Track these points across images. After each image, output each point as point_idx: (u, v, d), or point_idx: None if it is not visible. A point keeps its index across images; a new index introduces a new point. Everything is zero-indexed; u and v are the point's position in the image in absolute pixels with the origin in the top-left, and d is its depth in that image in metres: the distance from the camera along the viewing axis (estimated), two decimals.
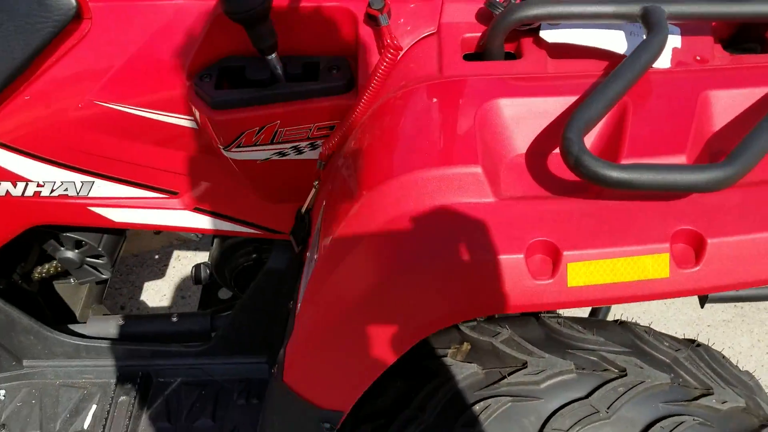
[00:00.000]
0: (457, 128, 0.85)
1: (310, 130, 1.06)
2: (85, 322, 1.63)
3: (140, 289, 2.32)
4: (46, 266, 1.63)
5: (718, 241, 0.75)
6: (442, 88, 0.90)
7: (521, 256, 0.77)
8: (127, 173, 1.22)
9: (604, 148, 0.84)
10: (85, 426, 1.51)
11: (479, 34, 0.97)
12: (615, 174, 0.72)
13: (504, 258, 0.77)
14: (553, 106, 0.86)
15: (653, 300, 0.81)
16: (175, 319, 1.58)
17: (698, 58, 0.90)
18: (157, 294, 2.30)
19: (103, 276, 1.62)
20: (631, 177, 0.72)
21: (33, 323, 1.49)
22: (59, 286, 1.74)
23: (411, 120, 0.89)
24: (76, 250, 1.55)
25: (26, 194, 1.24)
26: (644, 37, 0.89)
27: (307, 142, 1.08)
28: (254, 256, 1.43)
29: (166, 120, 1.12)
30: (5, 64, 1.07)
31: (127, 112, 1.11)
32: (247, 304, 1.45)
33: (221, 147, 1.08)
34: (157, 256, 2.38)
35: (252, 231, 1.31)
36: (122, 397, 1.52)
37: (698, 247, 0.75)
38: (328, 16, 1.02)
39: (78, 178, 1.22)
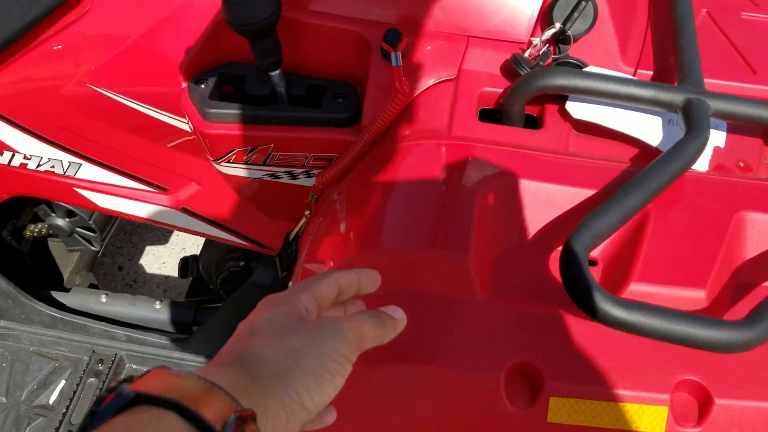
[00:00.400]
0: (457, 202, 0.75)
1: (306, 158, 0.97)
2: (69, 290, 1.59)
3: (141, 252, 2.28)
4: (39, 226, 1.58)
5: (727, 403, 0.64)
6: (449, 151, 0.81)
7: (500, 379, 0.67)
8: (116, 161, 1.15)
9: (611, 260, 0.73)
10: (50, 401, 1.47)
11: (500, 90, 0.87)
12: (618, 313, 0.61)
13: (482, 379, 0.67)
14: (564, 197, 0.75)
15: None
16: (157, 306, 1.53)
17: (742, 164, 0.79)
18: (156, 260, 2.26)
19: (93, 248, 1.57)
20: (637, 321, 0.61)
21: (11, 288, 1.45)
22: (52, 245, 1.70)
23: (410, 182, 0.80)
24: (67, 219, 1.50)
25: (12, 164, 1.18)
26: (682, 130, 0.78)
27: (302, 170, 1.00)
28: (242, 263, 1.36)
29: (158, 117, 1.04)
30: (1, 29, 1.00)
31: (119, 101, 1.04)
32: (228, 310, 1.39)
33: (210, 159, 1.00)
34: None
35: (240, 242, 1.24)
36: (91, 379, 1.48)
37: (703, 403, 0.65)
38: (340, 39, 0.93)
39: (65, 157, 1.16)
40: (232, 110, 0.93)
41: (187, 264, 1.47)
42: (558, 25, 0.84)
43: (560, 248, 0.72)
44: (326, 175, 0.93)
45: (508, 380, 0.67)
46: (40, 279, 1.65)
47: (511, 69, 0.86)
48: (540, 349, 0.67)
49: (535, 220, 0.77)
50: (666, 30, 0.89)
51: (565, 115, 0.83)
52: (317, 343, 0.49)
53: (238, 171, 1.01)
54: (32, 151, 1.15)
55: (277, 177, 1.02)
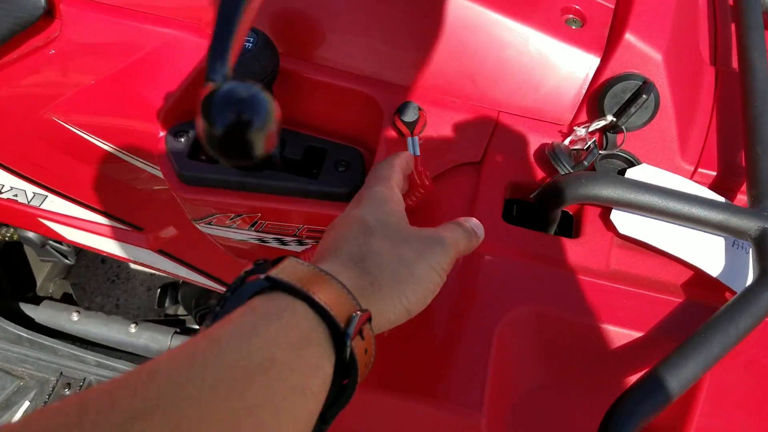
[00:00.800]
0: (471, 340, 0.62)
1: (299, 229, 0.84)
2: (39, 302, 1.47)
3: None
4: (11, 231, 1.46)
5: None
6: (463, 262, 0.67)
7: None
8: (85, 196, 1.02)
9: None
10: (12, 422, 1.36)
11: (529, 181, 0.73)
12: None
13: None
14: (601, 334, 0.62)
15: None
16: (132, 329, 1.41)
17: None
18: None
19: (67, 261, 1.45)
20: None
21: None
22: (27, 249, 1.58)
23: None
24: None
25: None
26: (750, 260, 0.64)
27: (293, 239, 0.86)
28: None
29: (131, 161, 0.91)
30: None
31: (87, 140, 0.90)
32: None
33: (190, 218, 0.87)
34: None
35: (219, 287, 1.11)
36: None
37: None
38: (347, 99, 0.78)
39: (29, 188, 1.02)
40: (214, 175, 0.79)
41: (166, 293, 1.34)
42: (610, 118, 0.69)
43: (591, 394, 0.60)
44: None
45: None
46: (11, 284, 1.53)
47: (547, 159, 0.71)
48: None
49: (564, 358, 0.64)
50: (734, 125, 0.74)
51: (608, 223, 0.69)
52: (427, 256, 0.53)
53: (220, 233, 0.88)
54: None
55: (264, 242, 0.88)
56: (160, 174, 0.89)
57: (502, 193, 0.72)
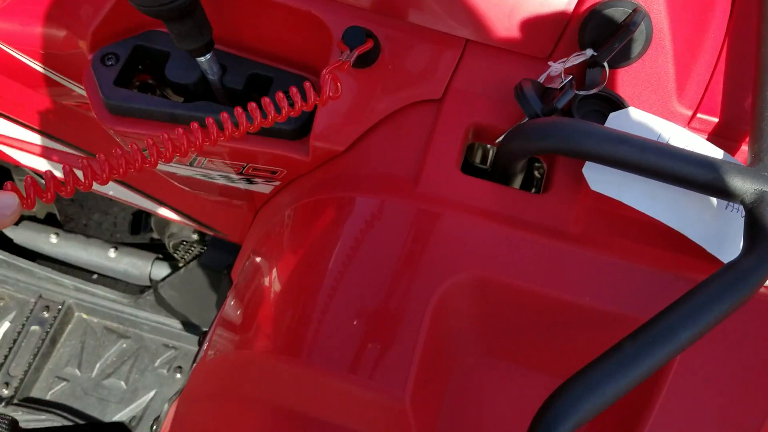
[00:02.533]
0: (404, 306, 0.54)
1: (244, 167, 0.75)
2: (19, 222, 1.43)
3: None
4: None
5: None
6: (407, 218, 0.58)
7: None
8: (31, 119, 0.94)
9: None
10: None
11: (495, 125, 0.62)
12: None
13: None
14: (549, 315, 0.54)
15: None
16: (112, 254, 1.37)
17: None
18: None
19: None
20: None
21: None
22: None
23: (347, 261, 0.58)
24: None
25: None
26: (741, 221, 0.55)
27: (240, 176, 0.78)
28: (195, 236, 1.17)
29: (68, 85, 0.82)
30: None
31: (18, 59, 0.81)
32: (185, 277, 1.22)
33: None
34: None
35: (182, 220, 1.04)
36: (35, 327, 1.35)
37: None
38: (296, 21, 0.68)
39: None
40: (143, 105, 0.70)
41: (139, 221, 1.28)
42: (589, 53, 0.58)
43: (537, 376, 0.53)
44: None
45: None
46: None
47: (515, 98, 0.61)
48: None
49: (511, 332, 0.56)
50: (746, 67, 0.62)
51: (581, 177, 0.59)
52: None
53: (161, 167, 0.80)
54: None
55: (210, 178, 0.80)
56: None
57: (462, 136, 0.62)
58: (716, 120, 0.62)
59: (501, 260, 0.55)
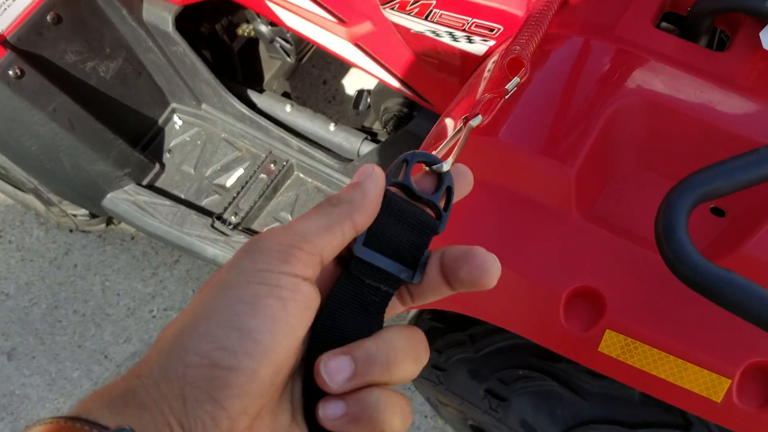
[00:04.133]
0: (589, 111, 0.68)
1: (468, 23, 0.92)
2: (263, 93, 1.72)
3: (347, 71, 2.36)
4: (249, 27, 1.69)
5: None
6: (605, 55, 0.71)
7: (562, 294, 0.65)
8: None
9: (743, 213, 0.63)
10: (227, 183, 1.67)
11: None
12: (702, 279, 0.53)
13: (546, 289, 0.65)
14: (710, 142, 0.64)
15: (688, 411, 0.66)
16: (331, 128, 1.62)
17: None
18: (359, 83, 2.34)
19: (289, 59, 1.66)
20: (723, 294, 0.53)
21: (212, 79, 1.60)
22: (261, 48, 1.83)
23: (548, 79, 0.73)
24: (269, 27, 1.59)
25: None
26: None
27: (463, 34, 0.95)
28: (406, 110, 1.37)
29: None
30: None
31: None
32: (390, 144, 1.43)
33: (378, 1, 0.98)
34: None
35: (403, 89, 1.23)
36: (263, 175, 1.64)
37: None
38: None
39: None
40: None
41: (361, 97, 1.51)
42: None
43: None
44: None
45: (571, 299, 0.65)
46: (244, 76, 1.79)
47: None
48: (613, 281, 0.63)
49: (668, 150, 0.68)
50: None
51: (758, 46, 0.68)
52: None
53: (401, 20, 0.99)
54: None
55: (438, 35, 0.98)
56: None
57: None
58: None
59: (674, 91, 0.67)
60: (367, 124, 1.76)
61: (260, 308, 0.34)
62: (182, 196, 1.66)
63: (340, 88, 2.35)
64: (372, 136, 1.62)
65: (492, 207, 0.70)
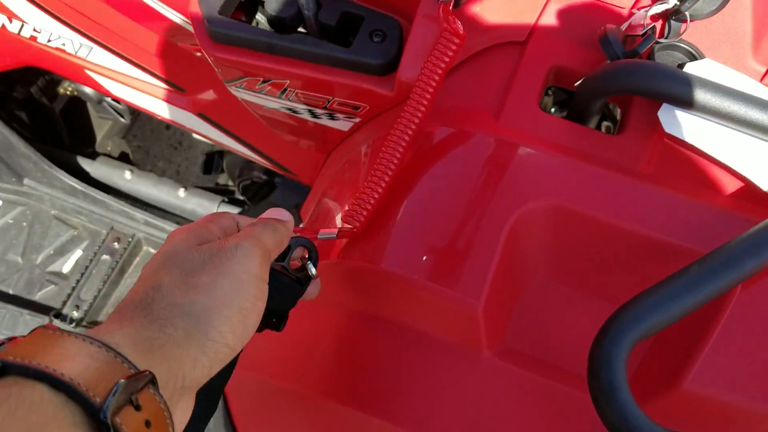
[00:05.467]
0: (483, 225, 0.59)
1: (329, 101, 0.80)
2: (96, 158, 1.51)
3: None
4: (72, 86, 1.48)
5: None
6: (488, 148, 0.62)
7: None
8: (127, 50, 1.00)
9: (664, 342, 0.56)
10: (64, 270, 1.44)
11: (577, 68, 0.66)
12: None
13: None
14: (619, 245, 0.57)
15: None
16: (181, 194, 1.44)
17: None
18: None
19: (122, 120, 1.46)
20: None
21: (31, 152, 1.37)
22: (89, 106, 1.61)
23: (429, 183, 0.63)
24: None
25: (22, 34, 1.05)
26: None
27: (324, 111, 0.83)
28: (265, 177, 1.23)
29: (165, 14, 0.88)
30: None
31: None
32: (253, 215, 1.29)
33: (222, 79, 0.84)
34: None
35: (258, 158, 1.10)
36: (105, 256, 1.43)
37: None
38: None
39: (76, 38, 1.01)
40: (244, 33, 0.75)
41: (212, 161, 1.35)
42: (672, 2, 0.61)
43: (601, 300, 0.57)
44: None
45: None
46: (72, 140, 1.57)
47: (599, 45, 0.64)
48: None
49: (578, 258, 0.60)
50: None
51: (656, 120, 0.62)
52: (227, 270, 0.44)
53: (251, 98, 0.85)
54: (41, 25, 1.02)
55: (296, 112, 0.86)
56: None
57: (542, 78, 0.66)
58: None
59: (575, 191, 0.59)
60: (222, 180, 1.60)
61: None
62: (10, 292, 1.41)
63: (186, 133, 2.16)
64: (229, 196, 1.47)
65: (386, 350, 0.59)
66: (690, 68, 0.63)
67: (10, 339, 0.37)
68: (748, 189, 0.61)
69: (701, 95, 0.57)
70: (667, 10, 0.62)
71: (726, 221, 0.59)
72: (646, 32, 0.62)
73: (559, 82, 0.68)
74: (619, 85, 0.59)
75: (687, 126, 0.61)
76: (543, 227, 0.59)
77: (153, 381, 0.37)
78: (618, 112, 0.69)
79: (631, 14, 0.64)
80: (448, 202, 0.60)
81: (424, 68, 0.65)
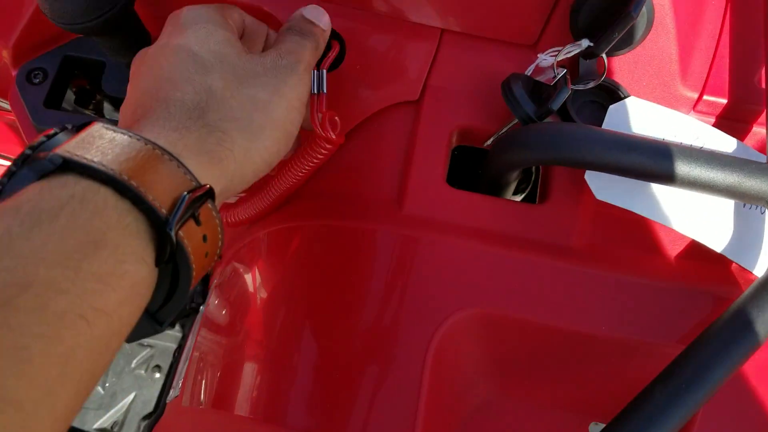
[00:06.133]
0: (402, 359, 0.48)
1: None
2: None
3: None
4: None
5: None
6: (392, 248, 0.51)
7: None
8: None
9: None
10: None
11: (482, 126, 0.55)
12: None
13: None
14: (563, 347, 0.48)
15: None
16: None
17: None
18: None
19: None
20: None
21: None
22: None
23: (329, 307, 0.52)
24: None
25: None
26: (762, 220, 0.49)
27: None
28: None
29: None
30: None
31: None
32: None
33: None
34: None
35: None
36: None
37: None
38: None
39: None
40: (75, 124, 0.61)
41: None
42: (584, 44, 0.51)
43: (554, 411, 0.48)
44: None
45: None
46: None
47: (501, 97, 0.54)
48: None
49: (518, 366, 0.51)
50: (753, 39, 0.56)
51: (583, 185, 0.53)
52: (283, 92, 0.43)
53: None
54: None
55: None
56: None
57: (446, 143, 0.55)
58: (724, 101, 0.56)
59: (502, 292, 0.49)
60: None
61: None
62: None
63: None
64: None
65: None
66: (613, 112, 0.54)
67: (62, 129, 0.34)
68: (695, 249, 0.53)
69: (633, 158, 0.48)
70: (579, 53, 0.52)
71: (678, 298, 0.51)
72: (557, 83, 0.51)
73: (467, 142, 0.58)
74: (538, 156, 0.49)
75: (619, 189, 0.51)
76: (474, 339, 0.50)
77: (211, 196, 0.35)
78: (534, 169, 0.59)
79: (534, 54, 0.54)
80: (351, 335, 0.49)
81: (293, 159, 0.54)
